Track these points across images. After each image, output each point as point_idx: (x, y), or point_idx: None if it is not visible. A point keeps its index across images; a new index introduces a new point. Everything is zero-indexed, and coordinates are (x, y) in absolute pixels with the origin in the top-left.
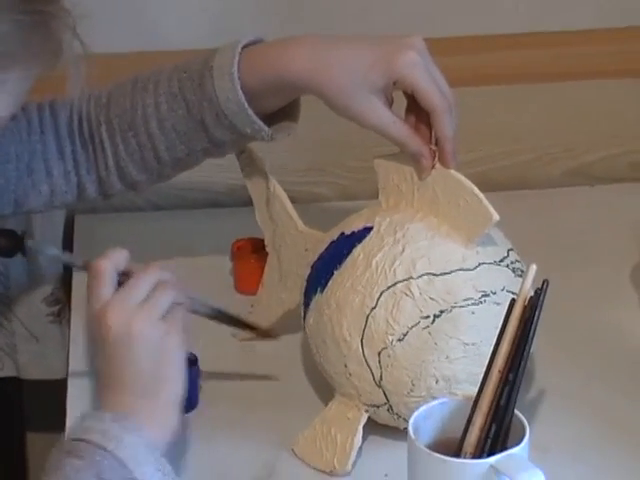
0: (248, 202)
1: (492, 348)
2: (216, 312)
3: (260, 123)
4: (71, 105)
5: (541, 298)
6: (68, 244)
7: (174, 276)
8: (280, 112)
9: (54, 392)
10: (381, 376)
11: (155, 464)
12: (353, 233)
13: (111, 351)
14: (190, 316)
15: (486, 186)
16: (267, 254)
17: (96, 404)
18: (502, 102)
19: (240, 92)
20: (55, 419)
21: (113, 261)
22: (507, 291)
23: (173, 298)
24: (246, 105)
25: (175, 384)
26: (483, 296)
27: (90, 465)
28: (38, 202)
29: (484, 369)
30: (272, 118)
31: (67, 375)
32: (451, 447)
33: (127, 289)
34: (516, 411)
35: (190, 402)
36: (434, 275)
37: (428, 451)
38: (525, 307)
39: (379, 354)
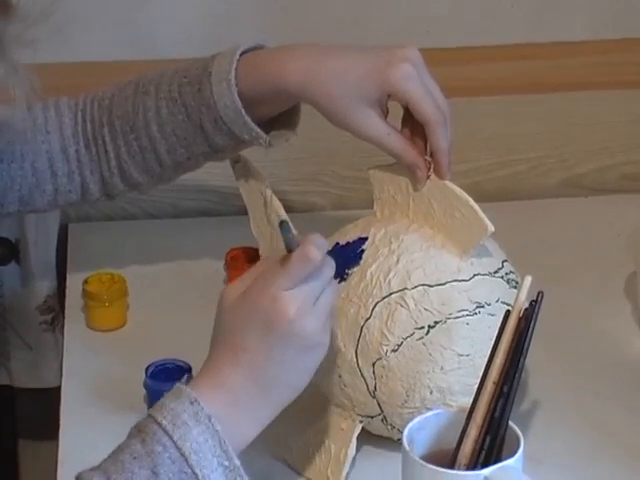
0: (242, 211)
1: (486, 359)
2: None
3: (257, 130)
4: (75, 106)
5: (536, 310)
6: (62, 252)
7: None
8: (280, 118)
9: (47, 401)
10: (375, 387)
11: (220, 458)
12: (348, 243)
13: (273, 340)
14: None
15: (480, 197)
16: None
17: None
18: (496, 113)
19: (237, 99)
20: (47, 428)
21: (323, 253)
22: (502, 302)
23: (335, 300)
24: (243, 112)
25: (290, 395)
26: (478, 307)
27: (149, 454)
28: (42, 201)
29: (478, 380)
30: (272, 123)
31: (60, 384)
32: (445, 458)
33: (312, 284)
34: (510, 422)
35: None
36: (429, 286)
37: (422, 462)
38: (520, 319)
39: (373, 365)
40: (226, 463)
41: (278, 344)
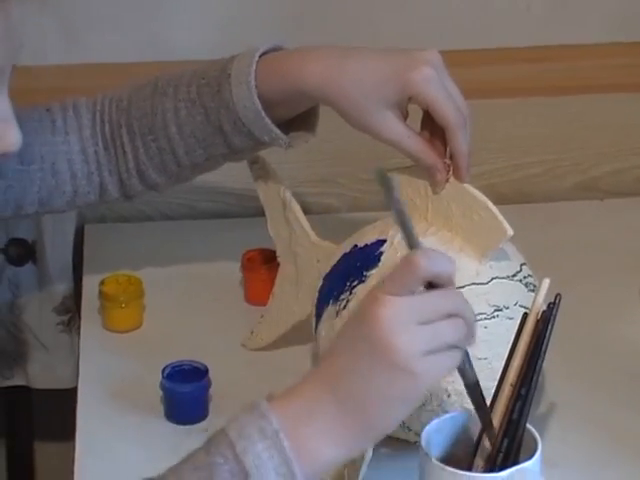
0: (258, 212)
1: (504, 362)
2: (473, 384)
3: (277, 131)
4: (93, 107)
5: (554, 312)
6: (78, 253)
7: (473, 316)
8: (298, 119)
9: (63, 401)
10: None
11: (284, 476)
12: (366, 245)
13: (360, 347)
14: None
15: (495, 199)
16: (278, 265)
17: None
18: (512, 115)
19: (257, 100)
20: (63, 429)
21: (434, 265)
22: (520, 306)
23: (457, 339)
24: (263, 113)
25: (378, 427)
26: (496, 310)
27: (209, 465)
28: (61, 202)
29: (496, 383)
30: (290, 124)
31: (77, 385)
32: (463, 461)
33: (421, 299)
34: (528, 425)
35: (200, 412)
36: None
37: (440, 465)
38: (537, 321)
39: None
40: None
41: (362, 352)
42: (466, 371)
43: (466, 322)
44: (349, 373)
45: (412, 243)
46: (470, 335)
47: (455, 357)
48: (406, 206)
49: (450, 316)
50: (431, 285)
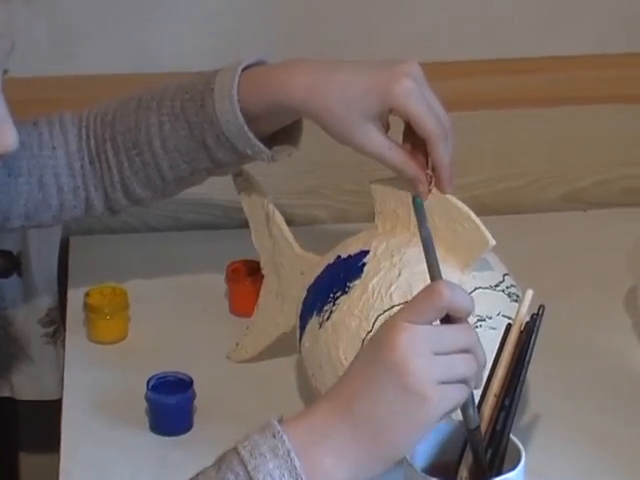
0: (243, 224)
1: (488, 373)
2: (474, 428)
3: (260, 145)
4: (79, 121)
5: (537, 323)
6: (63, 265)
7: (485, 357)
8: (282, 132)
9: (48, 413)
10: None
11: None
12: (349, 256)
13: (375, 369)
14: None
15: (480, 210)
16: (262, 277)
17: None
18: (496, 127)
19: (240, 115)
20: (49, 440)
21: (455, 297)
22: (503, 316)
23: (469, 375)
24: (246, 128)
25: (390, 451)
26: (479, 321)
27: None
28: (47, 216)
29: (480, 393)
30: (274, 138)
31: (62, 396)
32: (447, 471)
33: (439, 330)
34: (512, 436)
35: (185, 424)
36: None
37: (424, 475)
38: (521, 332)
39: None
40: None
41: (377, 375)
42: (468, 414)
43: (477, 361)
44: (363, 396)
45: (435, 273)
46: (480, 376)
47: (465, 392)
48: (432, 235)
49: (464, 351)
50: (447, 318)
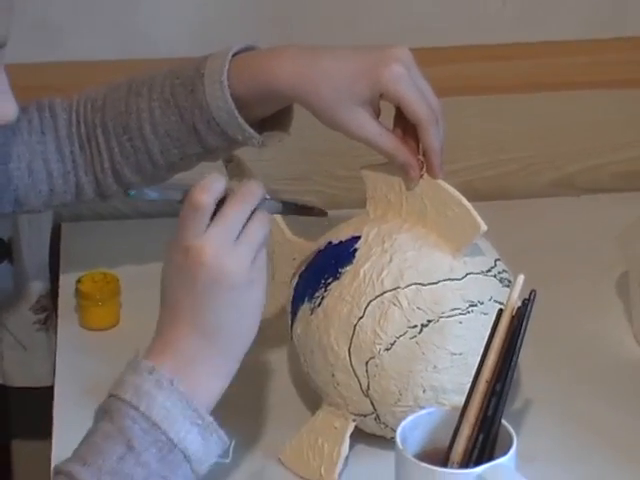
0: None
1: (479, 358)
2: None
3: (250, 131)
4: (69, 107)
5: (529, 308)
6: (55, 252)
7: (264, 191)
8: (273, 118)
9: (40, 400)
10: (368, 385)
11: (191, 417)
12: (341, 242)
13: (199, 288)
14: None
15: (471, 196)
16: None
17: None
18: (487, 112)
19: (230, 100)
20: (41, 427)
21: (213, 194)
22: (494, 301)
23: (267, 229)
24: (236, 113)
25: (242, 340)
26: (470, 306)
27: (120, 431)
28: (37, 202)
29: (471, 379)
30: (265, 123)
31: (53, 383)
32: (438, 457)
33: (224, 223)
34: (503, 421)
35: None
36: (422, 285)
37: (416, 461)
38: (513, 317)
39: (366, 363)
40: (199, 421)
41: (205, 292)
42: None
43: (266, 215)
44: (204, 313)
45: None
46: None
47: (265, 235)
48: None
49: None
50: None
